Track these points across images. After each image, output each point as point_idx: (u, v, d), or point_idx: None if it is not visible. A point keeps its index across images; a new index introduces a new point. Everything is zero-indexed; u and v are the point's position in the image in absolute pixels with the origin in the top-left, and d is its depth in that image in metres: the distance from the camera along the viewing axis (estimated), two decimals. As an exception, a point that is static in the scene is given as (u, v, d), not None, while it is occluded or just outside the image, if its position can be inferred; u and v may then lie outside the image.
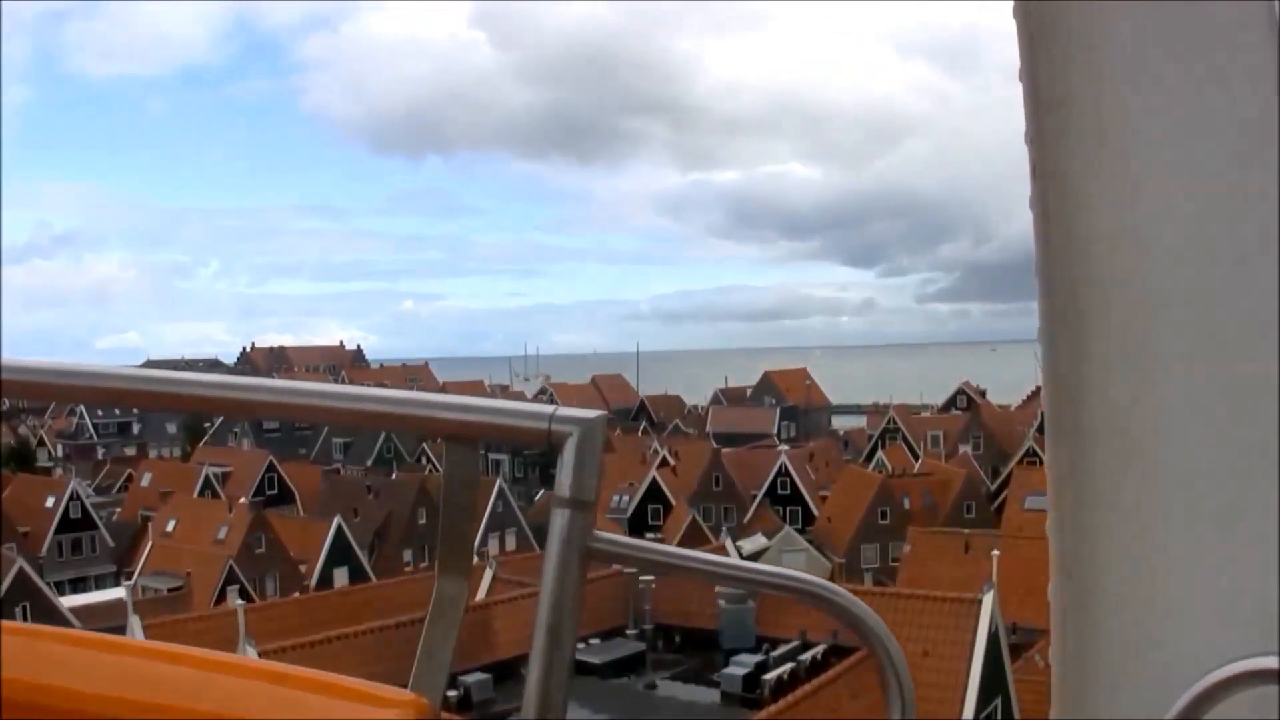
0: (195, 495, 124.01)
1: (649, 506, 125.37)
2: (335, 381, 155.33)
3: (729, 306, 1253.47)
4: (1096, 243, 3.18)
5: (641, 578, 54.12)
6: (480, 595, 55.87)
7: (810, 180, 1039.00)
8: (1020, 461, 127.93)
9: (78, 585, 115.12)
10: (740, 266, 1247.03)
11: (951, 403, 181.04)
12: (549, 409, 2.70)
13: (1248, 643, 2.67)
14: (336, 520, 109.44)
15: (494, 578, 59.99)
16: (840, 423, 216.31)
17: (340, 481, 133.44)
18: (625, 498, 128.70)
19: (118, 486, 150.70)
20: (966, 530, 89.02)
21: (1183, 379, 3.01)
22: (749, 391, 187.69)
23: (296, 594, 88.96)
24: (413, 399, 2.89)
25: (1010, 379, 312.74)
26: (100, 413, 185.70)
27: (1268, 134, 2.98)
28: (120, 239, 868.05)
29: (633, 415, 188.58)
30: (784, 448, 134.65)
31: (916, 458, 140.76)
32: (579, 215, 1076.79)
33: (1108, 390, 3.07)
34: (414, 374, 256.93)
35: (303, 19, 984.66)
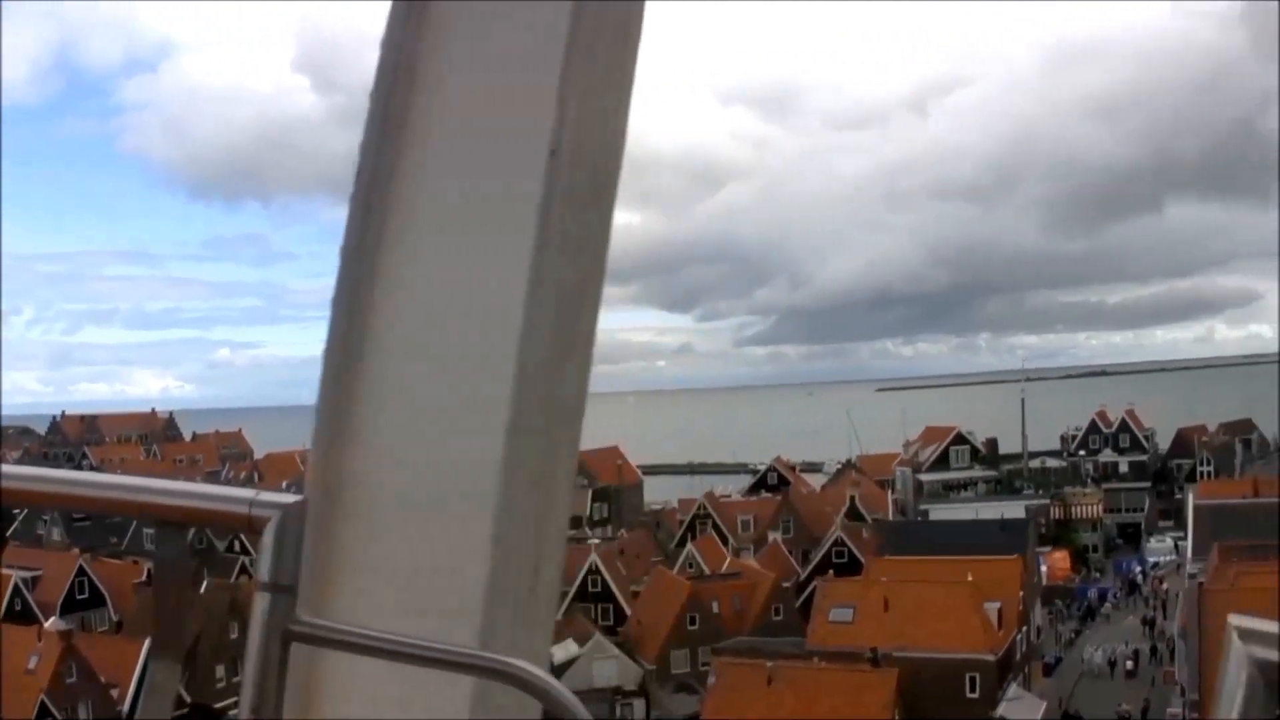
0: (3, 607, 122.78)
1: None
2: (147, 455, 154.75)
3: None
4: (388, 243, 3.58)
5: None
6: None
7: (629, 226, 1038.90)
8: (828, 554, 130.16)
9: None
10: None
11: (762, 480, 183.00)
12: (250, 493, 2.78)
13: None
14: (148, 642, 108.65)
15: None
16: (653, 490, 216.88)
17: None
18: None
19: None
20: (769, 663, 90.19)
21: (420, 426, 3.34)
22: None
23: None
24: (121, 483, 3.05)
25: (822, 426, 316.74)
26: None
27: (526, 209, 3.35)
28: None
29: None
30: (595, 540, 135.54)
31: (726, 542, 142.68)
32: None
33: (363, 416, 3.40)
34: (227, 442, 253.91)
35: (125, 60, 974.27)
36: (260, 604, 2.71)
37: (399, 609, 3.10)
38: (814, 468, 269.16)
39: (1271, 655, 2.04)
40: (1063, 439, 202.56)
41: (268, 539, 2.72)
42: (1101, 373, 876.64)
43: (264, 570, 2.70)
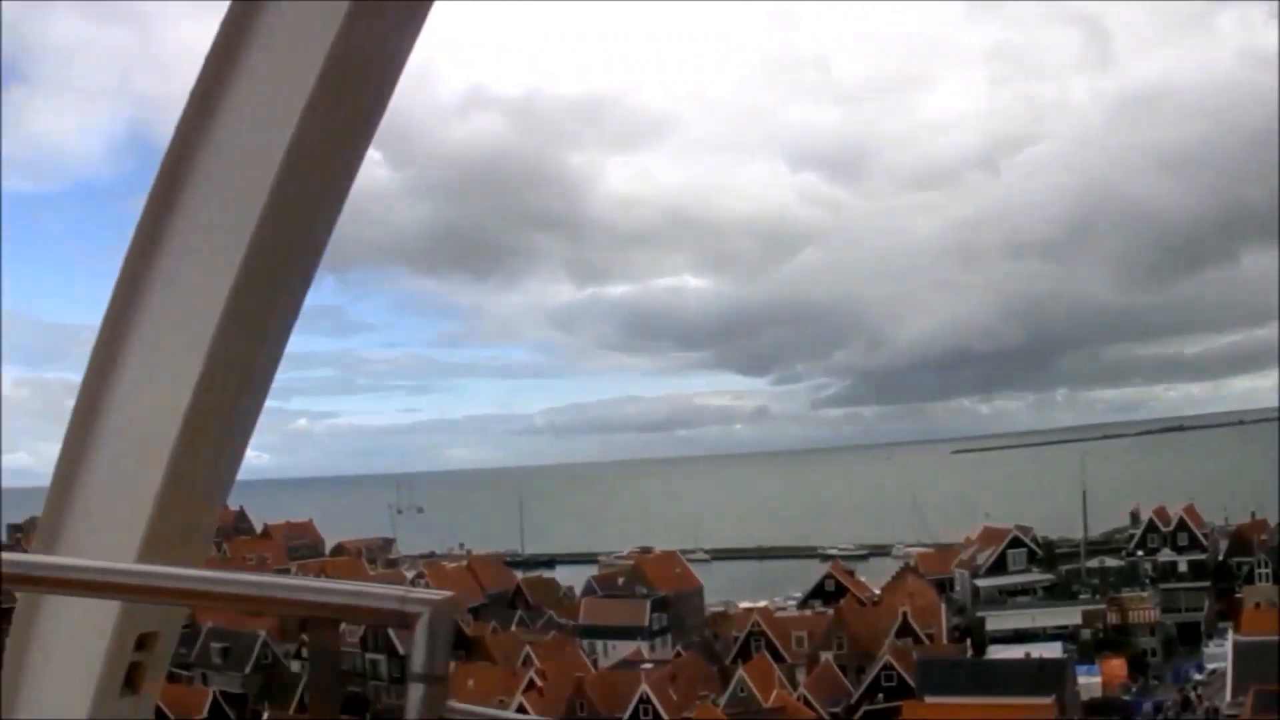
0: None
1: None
2: (218, 551, 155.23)
3: (622, 418, 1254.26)
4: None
5: None
6: None
7: (703, 291, 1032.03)
8: (878, 678, 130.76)
9: None
10: (633, 378, 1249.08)
11: (820, 588, 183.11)
12: (401, 590, 3.19)
13: None
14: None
15: None
16: (719, 578, 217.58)
17: None
18: None
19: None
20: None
21: None
22: (620, 579, 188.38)
23: None
24: (276, 583, 3.59)
25: (898, 490, 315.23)
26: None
27: None
28: (16, 357, 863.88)
29: (510, 601, 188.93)
30: (648, 665, 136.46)
31: (780, 660, 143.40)
32: (472, 330, 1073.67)
33: None
34: (297, 533, 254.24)
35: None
36: (414, 694, 3.01)
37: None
38: (882, 551, 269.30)
39: None
40: (1132, 516, 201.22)
41: (420, 634, 3.04)
42: (1178, 428, 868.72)
43: (418, 662, 3.04)
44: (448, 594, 3.10)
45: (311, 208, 5.51)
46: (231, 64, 5.19)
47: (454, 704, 3.21)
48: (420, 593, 3.13)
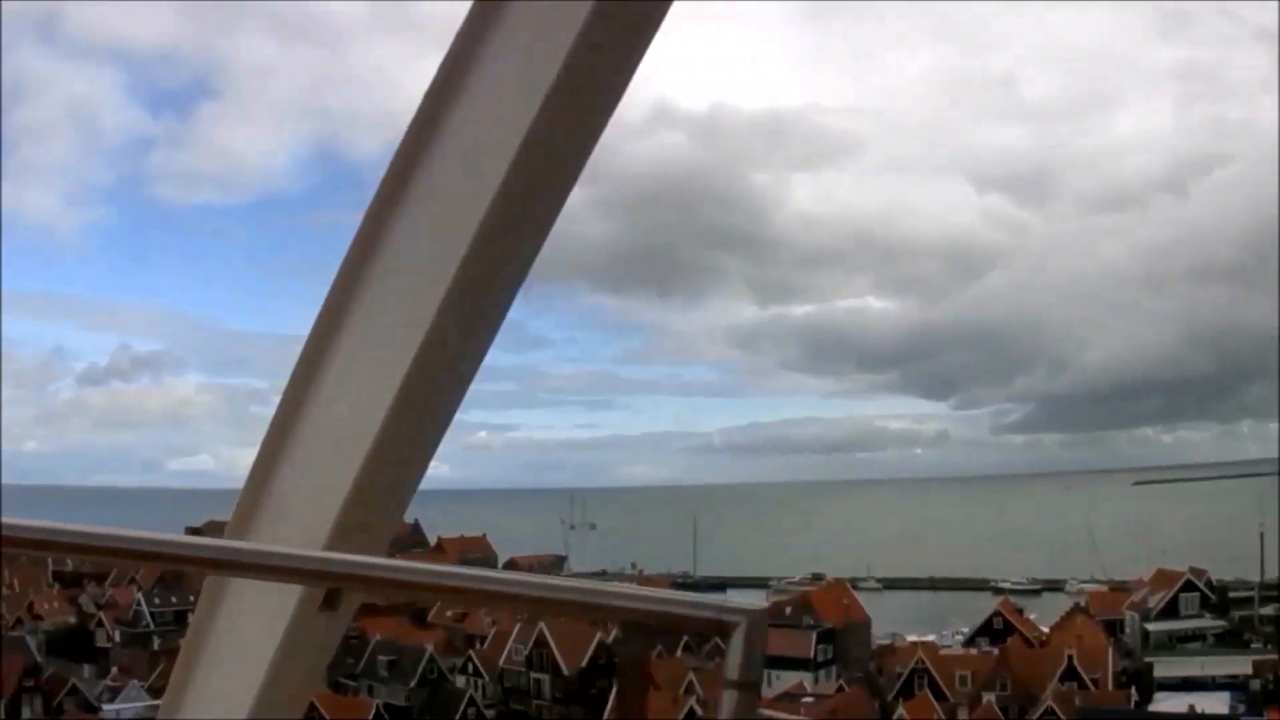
0: None
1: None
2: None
3: (800, 439, 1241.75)
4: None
5: None
6: None
7: (887, 313, 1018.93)
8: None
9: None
10: (813, 399, 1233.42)
11: (988, 624, 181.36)
12: (718, 599, 3.30)
13: None
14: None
15: None
16: (890, 609, 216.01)
17: None
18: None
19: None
20: None
21: None
22: (788, 609, 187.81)
23: None
24: (598, 589, 3.64)
25: (1074, 523, 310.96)
26: (158, 599, 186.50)
27: None
28: (199, 363, 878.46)
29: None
30: (809, 699, 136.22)
31: (941, 699, 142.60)
32: (653, 347, 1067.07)
33: None
34: (471, 548, 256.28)
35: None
36: (729, 700, 3.15)
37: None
38: (1056, 586, 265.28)
39: None
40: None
41: (736, 641, 3.18)
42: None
43: (733, 669, 3.18)
44: (763, 605, 3.49)
45: (529, 219, 5.66)
46: (469, 63, 5.31)
47: (765, 711, 3.43)
48: (737, 603, 3.31)
